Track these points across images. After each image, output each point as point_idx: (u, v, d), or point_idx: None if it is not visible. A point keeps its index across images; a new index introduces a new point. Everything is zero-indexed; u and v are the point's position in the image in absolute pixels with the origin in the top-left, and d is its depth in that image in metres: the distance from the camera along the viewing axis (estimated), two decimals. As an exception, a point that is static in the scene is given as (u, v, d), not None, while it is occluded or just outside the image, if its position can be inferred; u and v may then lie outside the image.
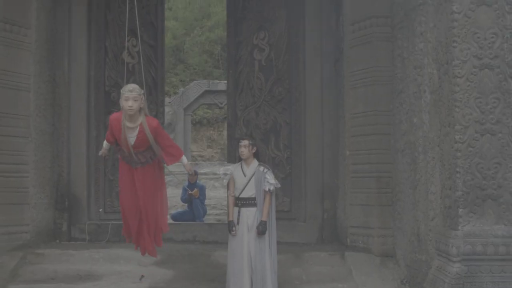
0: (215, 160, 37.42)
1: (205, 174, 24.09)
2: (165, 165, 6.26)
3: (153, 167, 6.24)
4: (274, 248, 6.14)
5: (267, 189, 6.03)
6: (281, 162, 8.68)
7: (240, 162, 6.20)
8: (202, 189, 11.14)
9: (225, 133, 35.84)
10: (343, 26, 7.61)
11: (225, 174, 6.37)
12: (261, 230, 6.00)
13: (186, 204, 11.25)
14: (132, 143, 5.99)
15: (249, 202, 6.08)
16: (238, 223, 6.11)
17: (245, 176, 6.09)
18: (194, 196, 10.79)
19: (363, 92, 7.16)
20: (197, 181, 11.40)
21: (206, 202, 12.09)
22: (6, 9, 7.30)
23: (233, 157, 8.14)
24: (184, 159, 6.18)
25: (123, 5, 8.92)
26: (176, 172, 12.65)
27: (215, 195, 20.11)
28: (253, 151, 6.16)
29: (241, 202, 6.11)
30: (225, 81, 26.46)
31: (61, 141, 8.42)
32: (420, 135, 5.84)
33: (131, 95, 5.86)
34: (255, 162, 6.14)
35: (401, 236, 6.57)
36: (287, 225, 8.21)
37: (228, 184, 6.28)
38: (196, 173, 11.37)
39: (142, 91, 6.01)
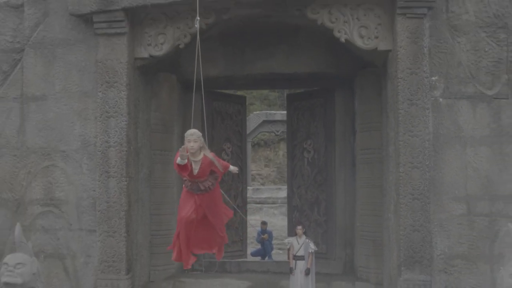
0: (272, 177, 42.09)
1: (265, 201, 29.11)
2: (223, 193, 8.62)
3: (212, 194, 7.99)
4: (313, 283, 11.52)
5: (310, 251, 11.41)
6: (321, 223, 13.98)
7: (295, 236, 11.60)
8: (270, 234, 16.69)
9: (280, 153, 40.27)
10: (356, 149, 12.93)
11: (288, 243, 11.76)
12: (307, 273, 11.38)
13: (259, 244, 16.88)
14: (195, 173, 7.67)
15: (300, 257, 11.43)
16: (295, 268, 11.52)
17: (298, 244, 11.48)
18: (265, 239, 16.35)
19: (366, 191, 12.41)
20: (267, 228, 16.94)
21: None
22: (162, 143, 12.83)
23: (292, 229, 13.42)
24: (230, 167, 8.40)
25: (222, 123, 14.45)
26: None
27: (275, 222, 25.19)
28: (303, 231, 11.55)
29: (296, 257, 11.49)
30: (281, 112, 31.37)
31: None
32: (390, 225, 11.11)
33: (192, 138, 7.55)
34: (303, 237, 11.53)
35: (385, 274, 11.84)
36: (324, 263, 13.41)
37: (289, 249, 11.69)
38: (265, 223, 16.90)
39: (201, 134, 7.69)
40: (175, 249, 8.19)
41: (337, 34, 10.69)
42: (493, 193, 10.21)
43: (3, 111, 11.25)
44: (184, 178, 7.82)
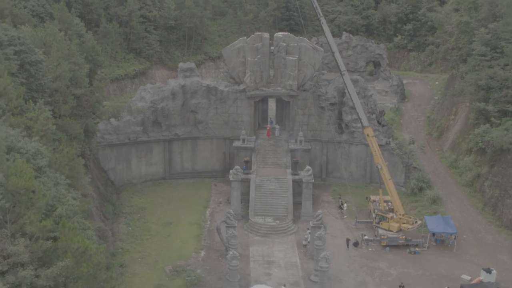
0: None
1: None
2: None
3: None
4: (281, 132, 72.88)
5: (279, 127, 68.26)
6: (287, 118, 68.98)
7: (277, 126, 68.21)
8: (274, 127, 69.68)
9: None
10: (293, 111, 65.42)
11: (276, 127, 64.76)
12: (278, 128, 69.30)
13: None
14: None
15: (277, 128, 71.33)
16: (275, 127, 71.33)
17: (277, 127, 72.59)
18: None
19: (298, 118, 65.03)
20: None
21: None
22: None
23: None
24: None
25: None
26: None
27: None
28: (278, 126, 68.60)
29: (275, 127, 70.33)
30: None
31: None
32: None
33: None
34: (278, 126, 68.10)
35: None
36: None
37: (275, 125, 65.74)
38: (272, 122, 69.58)
39: None
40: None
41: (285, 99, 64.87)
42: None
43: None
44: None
